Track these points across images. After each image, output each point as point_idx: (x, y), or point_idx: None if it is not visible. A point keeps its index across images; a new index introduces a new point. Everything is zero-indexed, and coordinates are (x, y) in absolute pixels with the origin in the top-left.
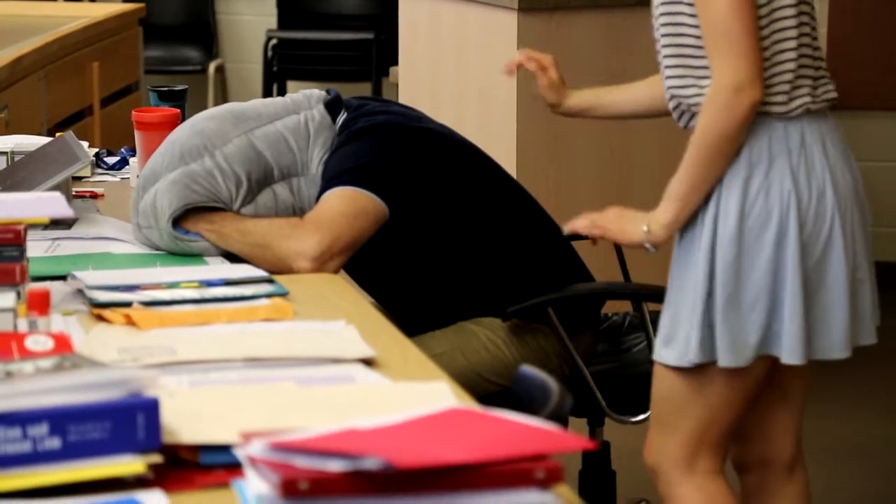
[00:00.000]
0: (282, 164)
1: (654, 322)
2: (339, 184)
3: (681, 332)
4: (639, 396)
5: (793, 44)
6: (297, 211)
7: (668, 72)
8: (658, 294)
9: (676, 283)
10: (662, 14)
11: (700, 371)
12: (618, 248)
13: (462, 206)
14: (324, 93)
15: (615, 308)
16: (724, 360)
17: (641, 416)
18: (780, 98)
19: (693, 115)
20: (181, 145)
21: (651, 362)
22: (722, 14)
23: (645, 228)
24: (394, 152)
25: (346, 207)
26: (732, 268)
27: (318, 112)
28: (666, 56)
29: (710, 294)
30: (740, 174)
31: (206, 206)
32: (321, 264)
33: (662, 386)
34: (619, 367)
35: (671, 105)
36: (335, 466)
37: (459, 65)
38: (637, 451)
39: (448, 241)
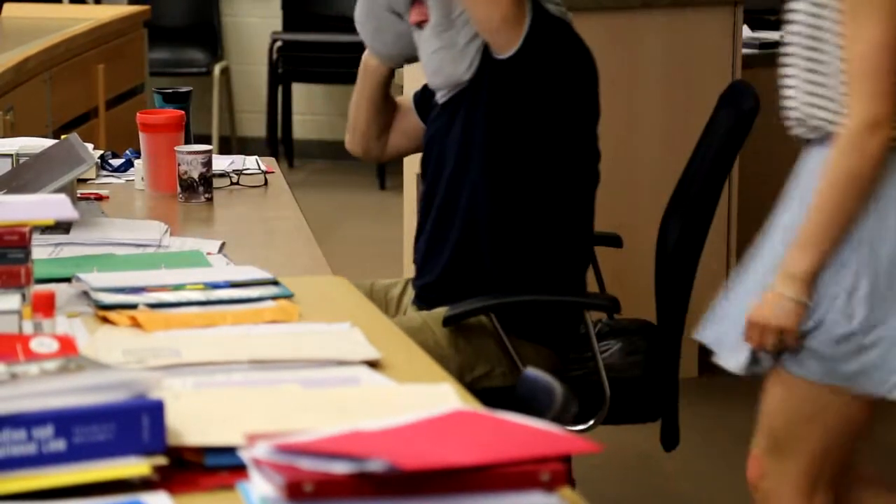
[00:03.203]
0: None
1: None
2: None
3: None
4: (589, 405)
5: None
6: None
7: (802, 86)
8: (601, 303)
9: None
10: (800, 33)
11: (830, 390)
12: (593, 257)
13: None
14: None
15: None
16: (871, 387)
17: (583, 426)
18: None
19: (826, 135)
20: None
21: (596, 372)
22: (870, 49)
23: (791, 296)
24: None
25: None
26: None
27: None
28: (801, 70)
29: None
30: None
31: None
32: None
33: (792, 401)
34: (579, 375)
35: (796, 116)
36: (340, 468)
37: None
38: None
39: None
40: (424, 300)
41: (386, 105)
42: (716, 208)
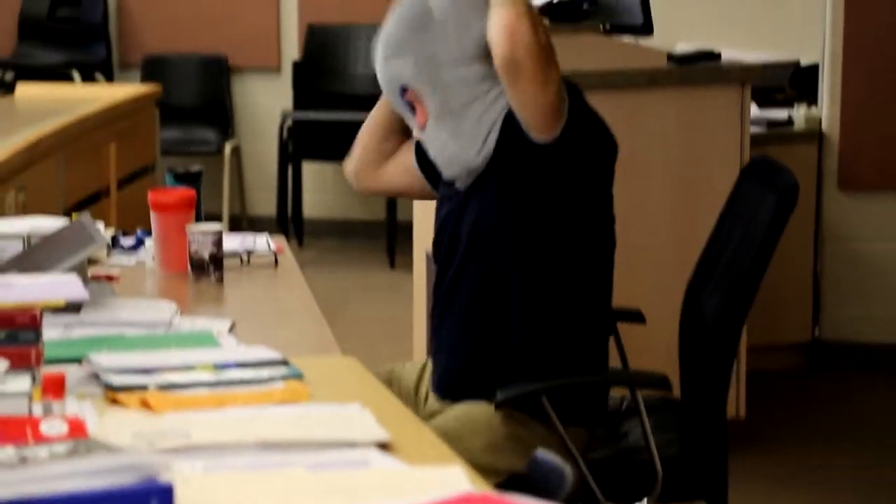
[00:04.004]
0: None
1: (650, 409)
2: None
3: None
4: (635, 484)
5: None
6: None
7: None
8: (653, 381)
9: None
10: None
11: None
12: (615, 332)
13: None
14: None
15: (612, 392)
16: None
17: None
18: None
19: None
20: None
21: (646, 450)
22: None
23: None
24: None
25: None
26: None
27: None
28: None
29: None
30: None
31: None
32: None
33: None
34: (614, 453)
35: None
36: None
37: None
38: None
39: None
40: (447, 388)
41: (394, 136)
42: (760, 283)
